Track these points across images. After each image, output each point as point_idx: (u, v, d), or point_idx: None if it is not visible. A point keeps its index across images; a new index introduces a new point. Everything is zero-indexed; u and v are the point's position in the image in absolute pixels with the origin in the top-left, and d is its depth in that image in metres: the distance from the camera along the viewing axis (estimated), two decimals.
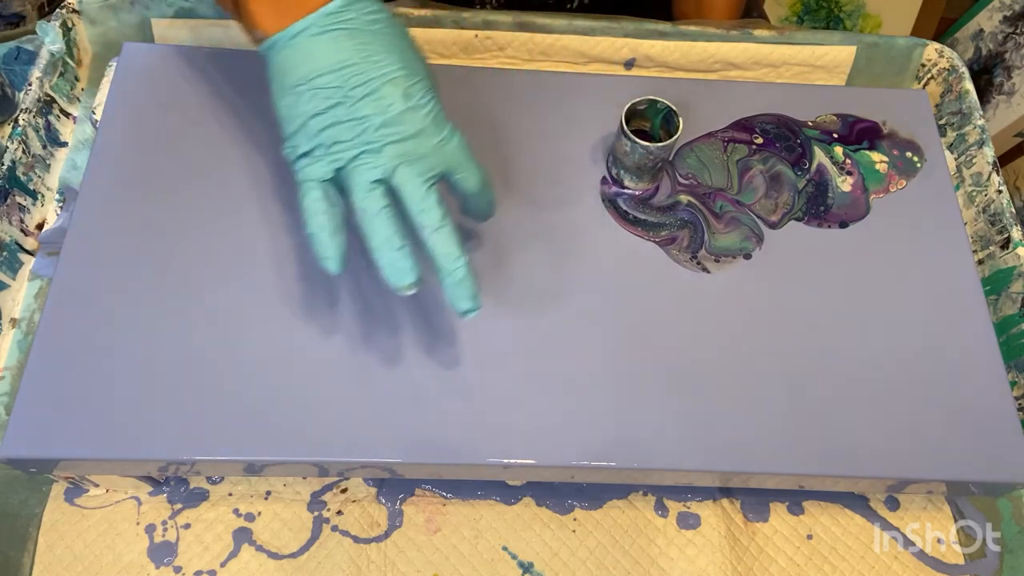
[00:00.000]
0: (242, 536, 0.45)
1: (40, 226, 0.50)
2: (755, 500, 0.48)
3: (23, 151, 0.49)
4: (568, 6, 0.69)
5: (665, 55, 0.59)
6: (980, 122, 0.56)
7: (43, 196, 0.50)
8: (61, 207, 0.50)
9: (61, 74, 0.52)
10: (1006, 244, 0.52)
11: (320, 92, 0.37)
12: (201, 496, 0.46)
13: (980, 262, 0.54)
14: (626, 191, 0.50)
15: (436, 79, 0.40)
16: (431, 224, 0.38)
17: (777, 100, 0.55)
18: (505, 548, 0.46)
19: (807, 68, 0.60)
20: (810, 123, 0.54)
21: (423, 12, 0.56)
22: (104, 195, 0.46)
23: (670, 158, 0.52)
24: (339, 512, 0.46)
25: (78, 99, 0.54)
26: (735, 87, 0.56)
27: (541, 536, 0.46)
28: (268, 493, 0.47)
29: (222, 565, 0.44)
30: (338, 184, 0.39)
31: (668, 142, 0.47)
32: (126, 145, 0.48)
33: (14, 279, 0.48)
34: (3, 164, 0.47)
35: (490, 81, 0.54)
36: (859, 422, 0.44)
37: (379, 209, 0.37)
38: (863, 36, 0.59)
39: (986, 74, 0.92)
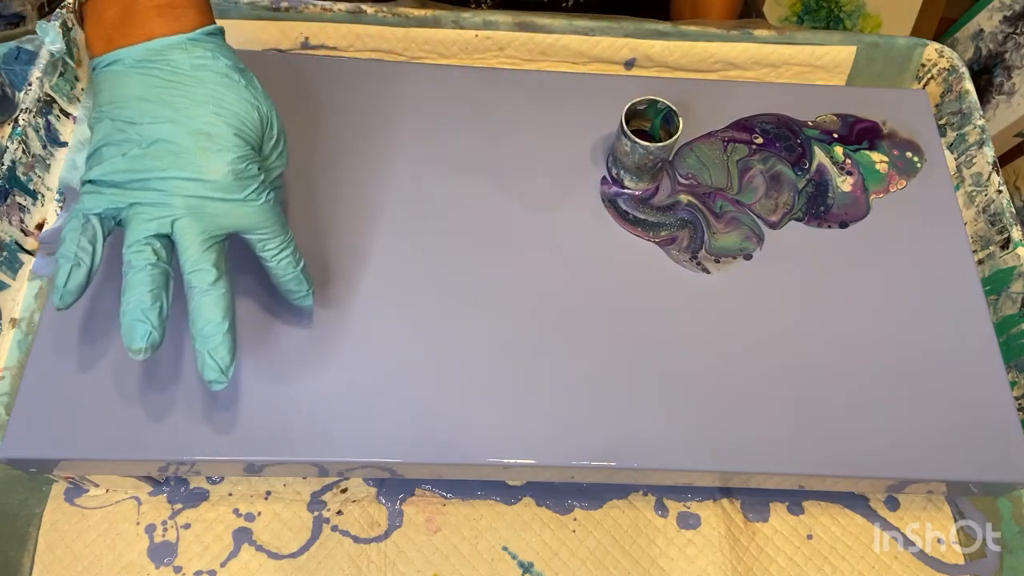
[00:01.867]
0: (242, 536, 0.45)
1: (40, 226, 0.49)
2: (755, 500, 0.48)
3: (23, 151, 0.49)
4: (564, 4, 0.69)
5: (665, 55, 0.58)
6: (980, 122, 0.56)
7: (43, 196, 0.50)
8: (61, 207, 0.50)
9: (61, 74, 0.52)
10: (1006, 244, 0.52)
11: (116, 123, 0.36)
12: (201, 496, 0.46)
13: (980, 262, 0.54)
14: (626, 191, 0.50)
15: (278, 134, 0.40)
16: (200, 285, 0.36)
17: (777, 100, 0.55)
18: (505, 548, 0.46)
19: (807, 68, 0.60)
20: (810, 123, 0.54)
21: (423, 12, 0.56)
22: None
23: (670, 158, 0.52)
24: (339, 512, 0.46)
25: (78, 99, 0.54)
26: (735, 87, 0.56)
27: (541, 536, 0.46)
28: (268, 493, 0.47)
29: (222, 565, 0.44)
30: (113, 220, 0.37)
31: (668, 142, 0.47)
32: None
33: (14, 279, 0.48)
34: (3, 164, 0.47)
35: (490, 81, 0.54)
36: (859, 422, 0.44)
37: (144, 265, 0.36)
38: (863, 36, 0.59)
39: (986, 74, 0.92)
